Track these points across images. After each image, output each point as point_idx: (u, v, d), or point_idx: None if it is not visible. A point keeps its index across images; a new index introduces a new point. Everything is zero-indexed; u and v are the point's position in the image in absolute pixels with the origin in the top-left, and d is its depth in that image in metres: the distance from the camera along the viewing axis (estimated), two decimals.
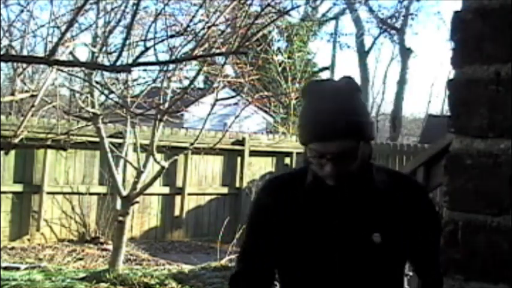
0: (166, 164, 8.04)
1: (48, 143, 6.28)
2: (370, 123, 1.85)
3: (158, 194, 10.81)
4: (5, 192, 8.94)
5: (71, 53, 6.76)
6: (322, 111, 1.76)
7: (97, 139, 8.02)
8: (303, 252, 1.89)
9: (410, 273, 2.20)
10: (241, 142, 11.68)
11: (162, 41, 5.49)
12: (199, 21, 7.19)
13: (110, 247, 9.01)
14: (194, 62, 8.36)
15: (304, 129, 1.81)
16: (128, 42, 5.97)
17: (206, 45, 7.26)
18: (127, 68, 2.75)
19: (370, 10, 24.92)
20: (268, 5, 6.44)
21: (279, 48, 18.79)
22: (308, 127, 1.79)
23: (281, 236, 1.90)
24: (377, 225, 1.84)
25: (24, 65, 6.55)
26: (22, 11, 6.87)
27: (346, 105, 1.77)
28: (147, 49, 4.03)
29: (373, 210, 1.85)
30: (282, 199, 1.91)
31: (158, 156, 8.16)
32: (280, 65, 16.59)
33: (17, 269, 7.88)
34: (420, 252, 1.91)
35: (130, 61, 5.64)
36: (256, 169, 11.47)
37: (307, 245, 1.88)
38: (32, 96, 5.96)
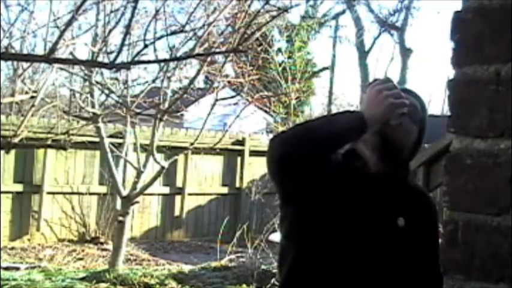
0: (166, 164, 8.04)
1: (48, 143, 6.28)
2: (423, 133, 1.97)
3: (158, 194, 10.80)
4: (5, 192, 8.94)
5: (70, 53, 6.76)
6: None
7: (97, 139, 8.02)
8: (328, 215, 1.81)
9: None
10: (241, 142, 11.67)
11: (162, 37, 5.46)
12: (199, 18, 7.19)
13: (110, 247, 9.01)
14: (194, 62, 8.36)
15: None
16: (127, 42, 5.97)
17: (206, 45, 7.26)
18: (126, 66, 2.76)
19: (371, 10, 24.91)
20: (267, 2, 6.42)
21: (279, 49, 18.76)
22: None
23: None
24: (402, 211, 1.83)
25: (25, 66, 6.54)
26: (22, 11, 6.87)
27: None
28: (146, 46, 4.01)
29: (399, 196, 1.85)
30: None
31: (158, 156, 8.16)
32: (280, 65, 16.56)
33: (17, 269, 7.87)
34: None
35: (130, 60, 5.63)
36: (256, 169, 11.45)
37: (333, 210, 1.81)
38: (32, 97, 5.96)
